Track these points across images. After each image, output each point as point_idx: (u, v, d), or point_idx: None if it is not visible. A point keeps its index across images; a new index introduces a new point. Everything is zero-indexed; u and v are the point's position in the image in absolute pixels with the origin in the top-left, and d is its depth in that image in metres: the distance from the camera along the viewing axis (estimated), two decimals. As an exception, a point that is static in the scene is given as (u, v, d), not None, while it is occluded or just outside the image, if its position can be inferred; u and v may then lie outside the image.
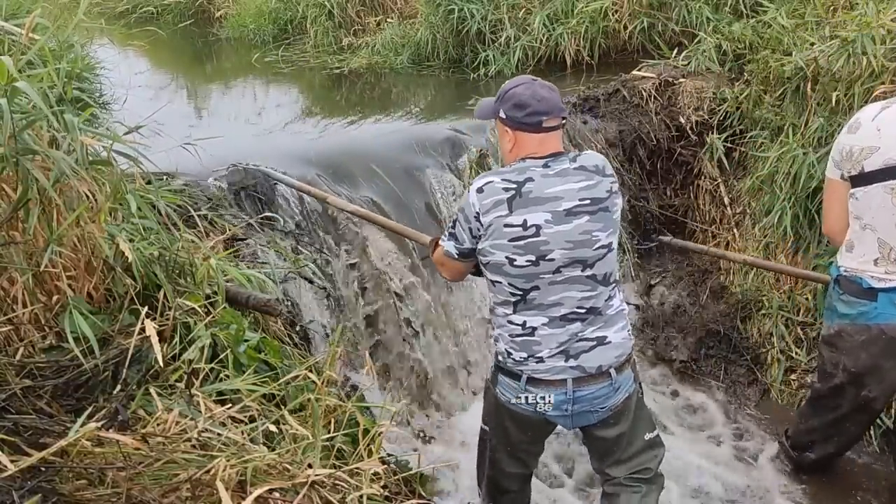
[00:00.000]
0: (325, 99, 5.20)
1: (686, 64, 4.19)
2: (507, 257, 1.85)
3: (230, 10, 7.73)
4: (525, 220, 1.83)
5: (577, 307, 1.89)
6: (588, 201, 1.85)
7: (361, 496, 1.46)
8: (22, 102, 1.70)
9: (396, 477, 1.88)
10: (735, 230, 3.81)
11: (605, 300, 1.92)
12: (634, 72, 4.28)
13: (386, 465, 1.88)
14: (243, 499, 1.27)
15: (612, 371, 1.92)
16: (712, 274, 3.87)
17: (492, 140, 3.69)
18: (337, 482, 1.49)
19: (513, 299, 1.90)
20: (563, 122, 1.92)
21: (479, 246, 1.90)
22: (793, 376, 3.16)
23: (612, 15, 4.84)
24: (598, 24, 4.82)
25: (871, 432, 2.86)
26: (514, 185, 1.84)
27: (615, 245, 1.92)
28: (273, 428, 1.61)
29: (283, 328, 2.49)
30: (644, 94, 4.09)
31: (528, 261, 1.84)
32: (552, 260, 1.84)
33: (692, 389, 3.36)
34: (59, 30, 2.46)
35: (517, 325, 1.91)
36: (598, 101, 4.12)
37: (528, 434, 2.08)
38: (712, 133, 3.89)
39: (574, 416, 1.96)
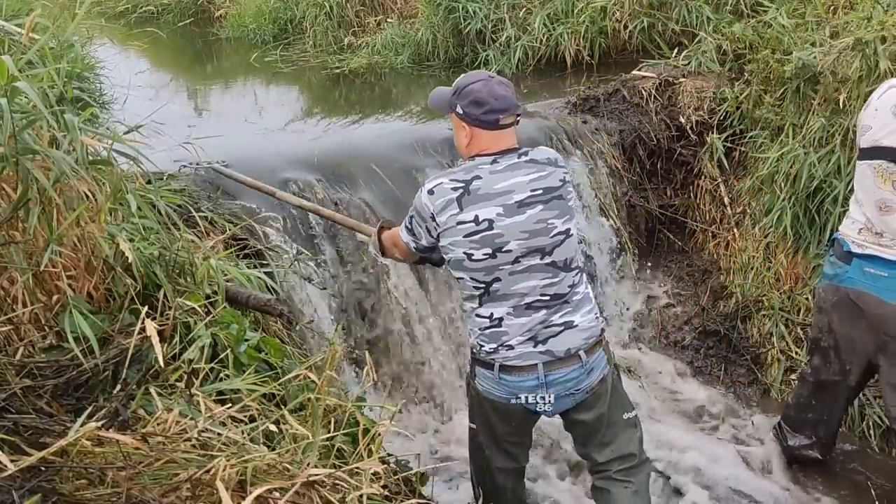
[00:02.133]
0: (325, 99, 5.20)
1: (686, 64, 4.20)
2: (465, 252, 1.90)
3: (230, 9, 7.74)
4: (476, 216, 1.87)
5: (541, 295, 1.93)
6: (540, 191, 1.90)
7: (361, 496, 1.46)
8: (22, 102, 1.70)
9: (396, 477, 1.88)
10: (735, 230, 3.81)
11: (569, 286, 1.97)
12: (634, 71, 4.28)
13: (386, 465, 1.88)
14: (243, 498, 1.27)
15: (582, 353, 1.96)
16: (712, 274, 3.87)
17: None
18: (337, 482, 1.49)
19: (477, 293, 1.95)
20: (518, 118, 1.97)
21: (441, 243, 1.95)
22: (793, 376, 3.15)
23: (612, 15, 4.85)
24: (598, 23, 4.82)
25: (871, 431, 2.87)
26: (462, 184, 1.89)
27: (574, 231, 1.97)
28: (273, 428, 1.61)
29: (283, 328, 2.49)
30: (644, 93, 4.09)
31: (485, 254, 1.88)
32: (509, 251, 1.88)
33: (692, 388, 3.36)
34: (59, 30, 2.47)
35: (484, 317, 1.96)
36: (598, 101, 4.12)
37: (512, 425, 2.10)
38: (712, 133, 3.89)
39: (552, 403, 1.99)
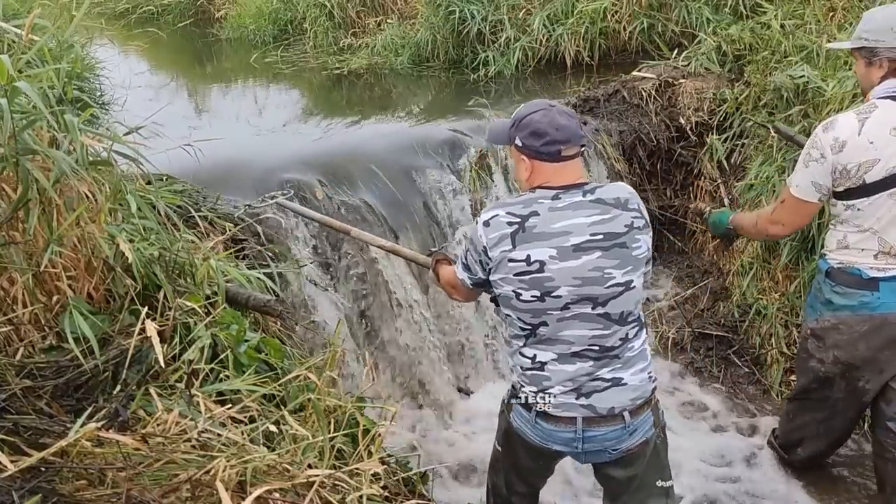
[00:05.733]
0: (325, 100, 5.20)
1: (686, 65, 4.20)
2: (513, 291, 1.79)
3: (230, 10, 7.73)
4: (528, 256, 1.75)
5: (590, 345, 1.80)
6: (601, 236, 1.75)
7: (361, 496, 1.46)
8: (22, 102, 1.70)
9: (396, 477, 1.88)
10: (735, 231, 3.81)
11: (621, 339, 1.82)
12: (634, 72, 4.28)
13: (386, 466, 1.88)
14: (243, 499, 1.27)
15: (626, 414, 1.83)
16: (712, 274, 3.88)
17: (492, 141, 3.68)
18: (337, 482, 1.49)
19: (523, 333, 1.84)
20: (583, 148, 1.84)
21: (491, 278, 1.85)
22: (792, 377, 3.15)
23: (612, 16, 4.85)
24: (598, 24, 4.82)
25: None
26: (518, 220, 1.77)
27: (637, 283, 1.80)
28: (273, 428, 1.61)
29: (282, 328, 2.49)
30: (644, 94, 4.09)
31: (533, 296, 1.77)
32: (559, 297, 1.76)
33: (692, 389, 3.36)
34: (58, 30, 2.47)
35: (528, 357, 1.85)
36: (598, 102, 4.12)
37: (538, 463, 2.05)
38: (712, 134, 3.89)
39: (585, 454, 1.90)
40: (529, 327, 1.82)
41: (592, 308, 1.77)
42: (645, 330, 1.90)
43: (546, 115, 1.79)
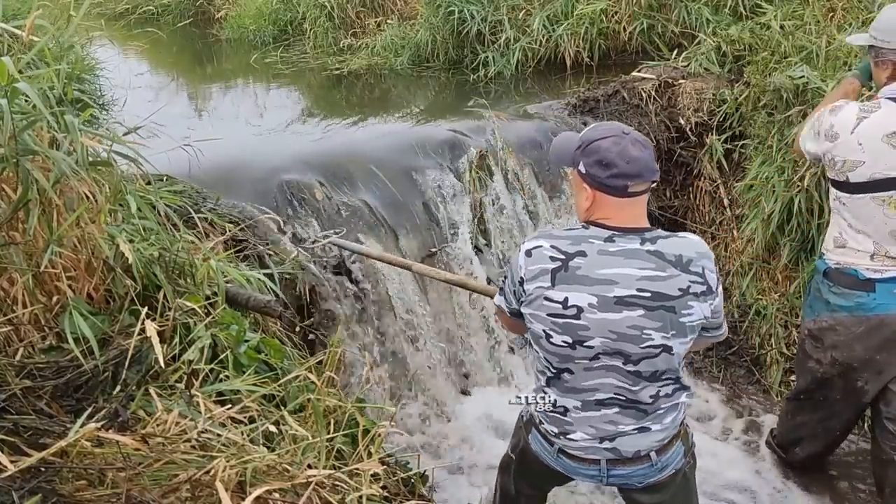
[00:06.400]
0: (325, 100, 5.20)
1: (686, 65, 4.20)
2: (544, 331, 1.66)
3: (230, 10, 7.73)
4: (566, 299, 1.61)
5: (616, 394, 1.69)
6: (648, 294, 1.59)
7: (361, 497, 1.46)
8: (22, 103, 1.70)
9: (396, 477, 1.88)
10: (734, 231, 3.82)
11: (651, 397, 1.69)
12: (634, 73, 4.28)
13: (385, 466, 1.88)
14: (243, 499, 1.27)
15: (653, 454, 1.74)
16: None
17: (491, 141, 3.69)
18: (336, 483, 1.49)
19: (547, 374, 1.74)
20: (653, 184, 1.65)
21: (523, 310, 1.71)
22: (792, 377, 3.16)
23: (612, 16, 4.85)
24: (598, 25, 4.83)
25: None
26: (563, 257, 1.62)
27: (677, 350, 1.64)
28: (273, 428, 1.61)
29: (282, 328, 2.49)
30: (644, 95, 4.09)
31: (564, 342, 1.64)
32: (590, 347, 1.63)
33: (692, 389, 3.36)
34: (59, 31, 2.47)
35: (549, 401, 1.76)
36: (597, 103, 4.12)
37: (552, 483, 2.03)
38: (712, 134, 3.89)
39: (609, 480, 1.82)
40: (555, 371, 1.71)
41: (623, 363, 1.65)
42: (685, 391, 1.76)
43: (617, 144, 1.60)
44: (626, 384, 1.67)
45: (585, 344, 1.63)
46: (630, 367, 1.64)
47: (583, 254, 1.61)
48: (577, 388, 1.70)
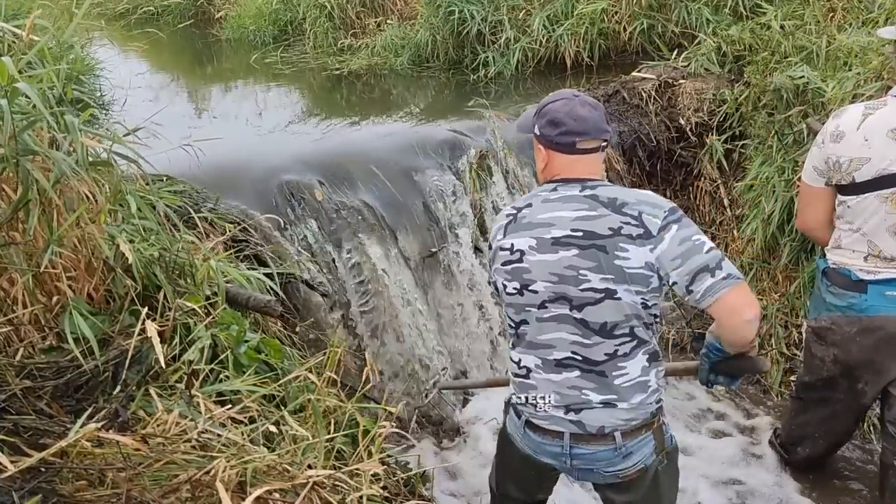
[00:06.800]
0: (325, 100, 5.20)
1: (686, 65, 4.20)
2: (502, 282, 1.76)
3: (230, 11, 7.74)
4: (512, 245, 1.72)
5: (572, 353, 1.69)
6: (580, 234, 1.64)
7: (361, 497, 1.46)
8: (22, 103, 1.70)
9: (396, 478, 1.88)
10: (735, 231, 3.82)
11: (608, 355, 1.67)
12: (634, 73, 4.28)
13: (386, 466, 1.88)
14: (243, 499, 1.27)
15: (618, 434, 1.69)
16: (712, 275, 3.87)
17: (492, 141, 3.69)
18: (337, 483, 1.49)
19: (510, 332, 1.81)
20: (605, 143, 1.74)
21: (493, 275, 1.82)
22: (792, 377, 3.15)
23: (612, 16, 4.85)
24: (598, 25, 4.83)
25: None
26: (514, 211, 1.76)
27: (625, 298, 1.62)
28: (273, 429, 1.61)
29: (282, 328, 2.49)
30: (644, 95, 4.09)
31: (514, 288, 1.72)
32: (535, 292, 1.69)
33: (691, 389, 3.36)
34: (58, 31, 2.47)
35: (515, 362, 1.80)
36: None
37: (529, 472, 1.94)
38: (712, 134, 3.89)
39: (576, 471, 1.79)
40: (513, 325, 1.78)
41: (569, 310, 1.67)
42: (650, 357, 1.71)
43: (567, 105, 1.71)
44: (579, 337, 1.68)
45: (530, 288, 1.70)
46: (577, 315, 1.67)
47: (530, 205, 1.74)
48: (534, 342, 1.74)
